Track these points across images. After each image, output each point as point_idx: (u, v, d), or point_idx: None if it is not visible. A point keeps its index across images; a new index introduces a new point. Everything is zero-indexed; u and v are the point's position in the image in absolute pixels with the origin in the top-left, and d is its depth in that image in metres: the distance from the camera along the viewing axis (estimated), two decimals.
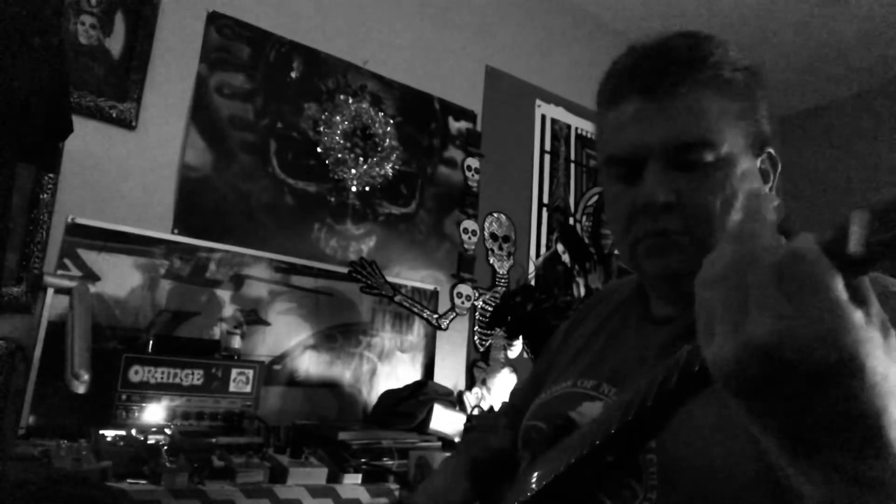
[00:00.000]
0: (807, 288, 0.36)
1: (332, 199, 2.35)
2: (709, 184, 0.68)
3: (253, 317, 2.10)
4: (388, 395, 2.18)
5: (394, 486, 1.63)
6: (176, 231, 2.01)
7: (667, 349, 0.68)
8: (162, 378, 1.67)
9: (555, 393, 0.83)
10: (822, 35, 3.30)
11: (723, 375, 0.39)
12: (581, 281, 2.99)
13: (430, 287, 2.53)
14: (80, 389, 1.39)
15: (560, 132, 3.12)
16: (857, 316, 0.36)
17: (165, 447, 1.43)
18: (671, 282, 0.72)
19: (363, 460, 1.66)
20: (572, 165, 3.14)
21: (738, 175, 0.69)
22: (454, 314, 2.58)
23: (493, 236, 2.78)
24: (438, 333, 2.53)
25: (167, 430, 1.54)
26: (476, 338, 2.66)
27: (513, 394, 1.10)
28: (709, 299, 0.40)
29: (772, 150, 0.75)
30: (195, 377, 1.71)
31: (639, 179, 0.70)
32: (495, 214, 2.81)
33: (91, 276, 1.84)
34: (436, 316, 2.50)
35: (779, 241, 0.38)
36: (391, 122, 2.52)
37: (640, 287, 0.84)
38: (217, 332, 2.01)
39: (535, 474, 0.72)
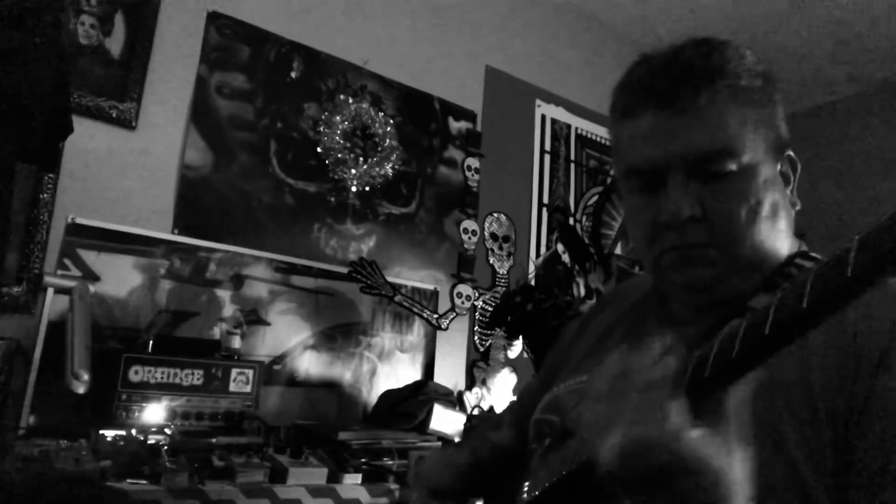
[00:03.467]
0: (647, 410, 0.46)
1: (332, 199, 2.35)
2: (733, 193, 0.67)
3: (253, 317, 2.10)
4: (388, 395, 2.18)
5: (394, 486, 1.63)
6: (176, 231, 2.01)
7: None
8: (162, 378, 1.67)
9: (569, 388, 0.82)
10: (828, 34, 3.30)
11: (605, 475, 0.48)
12: (581, 281, 2.99)
13: (430, 287, 2.53)
14: (80, 389, 1.39)
15: (560, 132, 3.12)
16: (691, 431, 0.45)
17: (165, 447, 1.43)
18: (697, 293, 0.71)
19: (363, 460, 1.66)
20: (572, 165, 3.14)
21: (760, 183, 0.68)
22: (454, 314, 2.58)
23: (493, 236, 2.78)
24: (438, 333, 2.53)
25: (167, 430, 1.54)
26: (476, 338, 2.66)
27: (523, 391, 1.10)
28: (591, 414, 0.51)
29: (791, 153, 0.74)
30: (195, 377, 1.71)
31: (660, 191, 0.69)
32: (495, 214, 2.81)
33: (91, 276, 1.84)
34: (436, 316, 2.50)
35: (651, 365, 0.49)
36: (391, 122, 2.52)
37: (658, 289, 0.84)
38: (217, 332, 2.01)
39: (530, 482, 0.72)
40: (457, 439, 1.99)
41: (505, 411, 1.08)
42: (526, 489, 0.72)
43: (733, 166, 0.67)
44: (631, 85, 0.74)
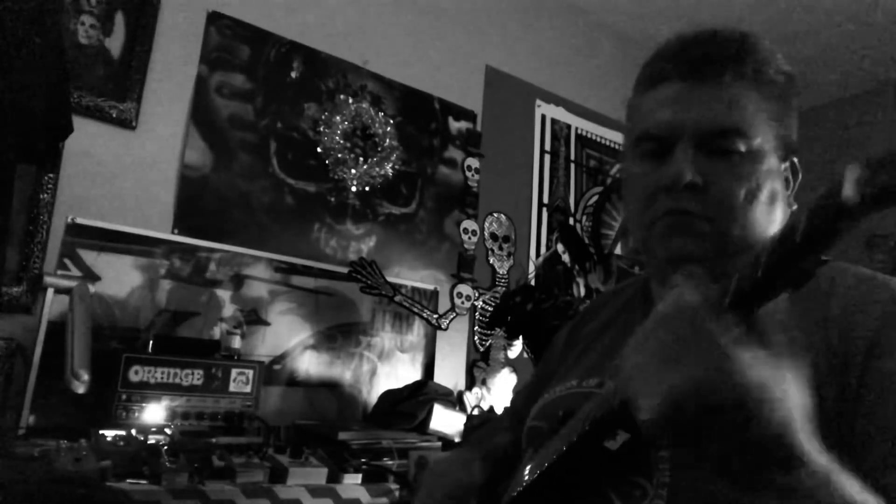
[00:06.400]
0: (691, 341, 0.44)
1: (332, 199, 2.35)
2: (736, 172, 0.68)
3: (253, 317, 2.10)
4: (388, 395, 2.18)
5: (394, 486, 1.63)
6: (176, 231, 2.01)
7: None
8: (162, 378, 1.67)
9: (559, 393, 0.83)
10: (828, 33, 3.30)
11: (660, 429, 0.46)
12: (581, 281, 2.99)
13: (430, 287, 2.53)
14: (80, 389, 1.39)
15: (560, 132, 3.12)
16: (743, 352, 0.43)
17: (165, 447, 1.43)
18: (683, 266, 0.71)
19: (363, 460, 1.66)
20: (572, 165, 3.14)
21: (764, 170, 0.69)
22: (454, 314, 2.58)
23: (493, 236, 2.78)
24: (438, 333, 2.53)
25: (167, 430, 1.54)
26: (476, 338, 2.66)
27: (515, 397, 1.10)
28: (634, 368, 0.48)
29: (796, 160, 0.75)
30: (195, 377, 1.71)
31: (667, 159, 0.70)
32: (495, 214, 2.81)
33: (91, 276, 1.84)
34: (436, 316, 2.50)
35: (678, 303, 0.46)
36: (391, 122, 2.52)
37: (645, 287, 0.84)
38: (217, 332, 2.01)
39: (529, 466, 0.72)
40: (457, 439, 1.99)
41: (502, 416, 1.08)
42: (527, 472, 0.72)
43: (742, 147, 0.68)
44: (661, 56, 0.75)
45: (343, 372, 2.27)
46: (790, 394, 0.45)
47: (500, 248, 2.80)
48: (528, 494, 0.69)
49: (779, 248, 0.41)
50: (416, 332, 2.48)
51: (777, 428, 0.44)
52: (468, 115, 2.78)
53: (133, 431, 1.50)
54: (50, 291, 1.72)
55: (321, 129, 2.34)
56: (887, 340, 0.59)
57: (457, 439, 1.99)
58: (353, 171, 2.39)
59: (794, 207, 0.75)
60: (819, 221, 0.39)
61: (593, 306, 0.98)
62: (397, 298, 2.34)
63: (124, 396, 1.61)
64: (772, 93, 0.70)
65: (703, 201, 0.68)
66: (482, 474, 0.85)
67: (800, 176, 0.76)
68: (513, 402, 1.07)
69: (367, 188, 2.42)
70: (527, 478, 0.71)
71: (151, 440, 1.47)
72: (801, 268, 0.41)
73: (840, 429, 0.57)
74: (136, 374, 1.64)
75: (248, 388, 1.78)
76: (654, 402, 0.45)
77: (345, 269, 2.25)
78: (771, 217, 0.71)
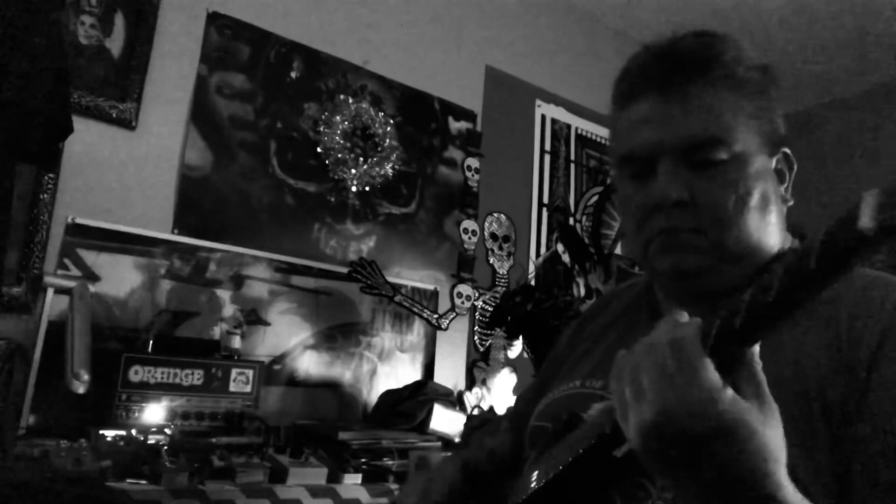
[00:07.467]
0: (678, 373, 0.44)
1: (332, 199, 2.34)
2: (722, 182, 0.67)
3: (253, 317, 2.10)
4: (388, 395, 2.18)
5: (394, 486, 1.63)
6: (176, 231, 2.01)
7: None
8: (162, 378, 1.67)
9: (562, 393, 0.82)
10: (827, 33, 3.30)
11: (637, 452, 0.47)
12: (581, 281, 2.99)
13: (430, 287, 2.53)
14: (80, 389, 1.39)
15: (560, 132, 3.12)
16: (726, 391, 0.43)
17: (165, 447, 1.43)
18: (683, 281, 0.71)
19: (363, 460, 1.66)
20: (572, 165, 3.14)
21: (751, 174, 0.68)
22: (454, 314, 2.58)
23: (493, 236, 2.78)
24: (438, 333, 2.53)
25: (167, 430, 1.54)
26: (476, 338, 2.66)
27: (518, 398, 1.10)
28: (620, 390, 0.49)
29: (787, 150, 0.74)
30: (195, 377, 1.71)
31: (652, 178, 0.70)
32: (495, 214, 2.81)
33: (91, 276, 1.84)
34: (436, 316, 2.50)
35: (669, 334, 0.46)
36: (391, 122, 2.52)
37: (649, 288, 0.84)
38: (217, 332, 2.01)
39: (536, 472, 0.72)
40: (457, 439, 1.99)
41: (503, 417, 1.08)
42: (534, 478, 0.72)
43: (724, 155, 0.68)
44: (630, 72, 0.75)
45: (343, 372, 2.27)
46: (768, 432, 0.44)
47: (500, 248, 2.80)
48: (534, 500, 0.69)
49: (791, 275, 0.40)
50: (416, 332, 2.48)
51: (758, 466, 0.44)
52: (468, 115, 2.78)
53: (133, 431, 1.50)
54: (50, 291, 1.72)
55: (321, 129, 2.34)
56: (891, 345, 0.59)
57: (457, 439, 1.99)
58: (353, 171, 2.39)
59: (790, 203, 0.75)
60: (834, 249, 0.38)
61: (596, 306, 0.98)
62: (397, 298, 2.34)
63: (124, 396, 1.61)
64: (747, 91, 0.69)
65: (693, 216, 0.68)
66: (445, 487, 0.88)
67: (795, 166, 0.75)
68: (516, 402, 1.07)
69: (367, 188, 2.42)
70: (533, 484, 0.70)
71: (151, 440, 1.47)
72: (811, 294, 0.40)
73: (843, 431, 0.57)
74: (136, 374, 1.64)
75: (248, 388, 1.78)
76: (639, 427, 0.46)
77: (345, 269, 2.25)
78: (766, 219, 0.70)
